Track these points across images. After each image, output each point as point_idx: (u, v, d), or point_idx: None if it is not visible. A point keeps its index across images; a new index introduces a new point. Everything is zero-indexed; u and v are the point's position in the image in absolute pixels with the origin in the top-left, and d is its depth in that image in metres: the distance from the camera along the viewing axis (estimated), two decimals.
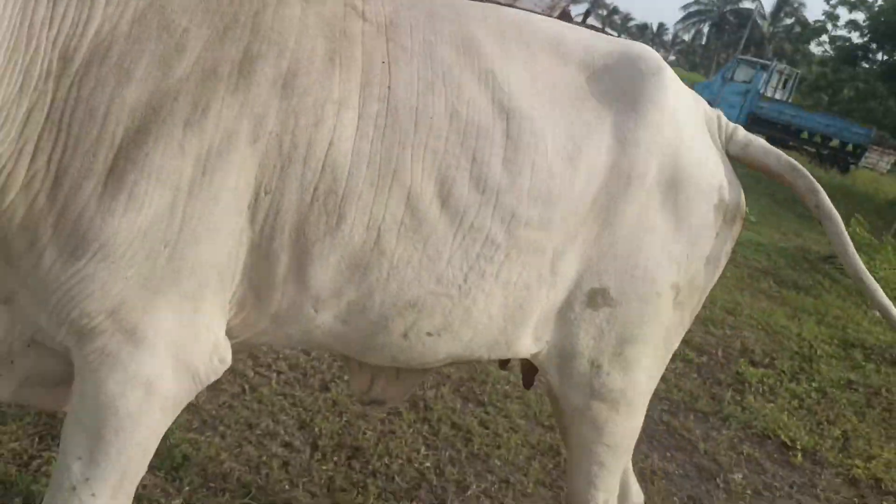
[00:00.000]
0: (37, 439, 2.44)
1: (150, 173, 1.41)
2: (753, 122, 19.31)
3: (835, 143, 19.25)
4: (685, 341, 5.15)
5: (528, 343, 1.84)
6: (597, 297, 1.81)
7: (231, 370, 3.12)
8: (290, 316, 1.65)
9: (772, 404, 4.54)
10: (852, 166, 18.88)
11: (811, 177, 2.03)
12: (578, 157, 1.71)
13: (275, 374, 3.24)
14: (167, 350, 1.51)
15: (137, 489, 2.25)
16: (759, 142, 2.06)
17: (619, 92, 1.78)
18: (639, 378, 1.93)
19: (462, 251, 1.67)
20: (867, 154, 18.68)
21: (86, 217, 1.39)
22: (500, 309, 1.76)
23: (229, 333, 1.63)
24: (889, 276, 7.34)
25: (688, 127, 1.85)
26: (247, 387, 3.09)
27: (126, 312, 1.46)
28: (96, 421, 1.49)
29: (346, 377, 3.37)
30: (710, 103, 2.09)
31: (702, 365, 4.88)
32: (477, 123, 1.63)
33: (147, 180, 1.40)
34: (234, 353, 1.65)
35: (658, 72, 1.81)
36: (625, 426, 1.97)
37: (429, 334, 1.74)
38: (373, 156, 1.56)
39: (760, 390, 4.72)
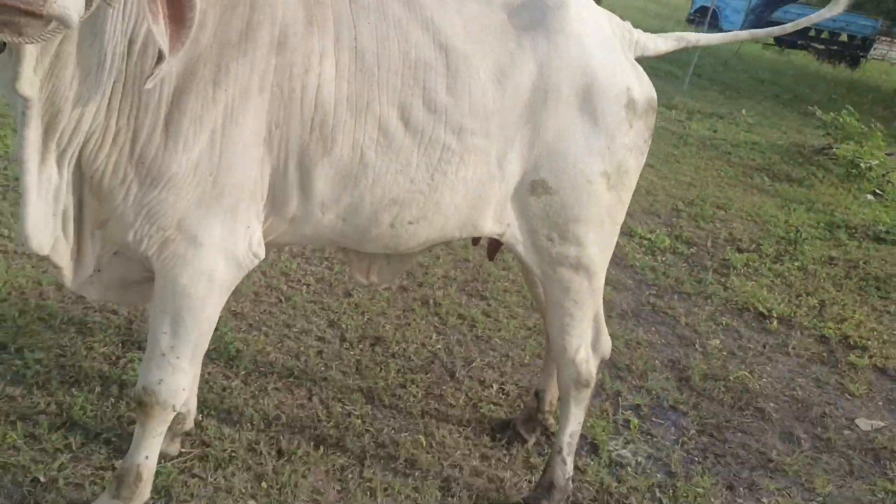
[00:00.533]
0: (120, 344, 3.03)
1: (194, 121, 1.91)
2: (759, 26, 19.14)
3: (843, 37, 19.06)
4: (676, 236, 5.66)
5: (490, 224, 2.34)
6: (538, 188, 2.29)
7: (267, 285, 3.70)
8: (303, 219, 2.17)
9: (753, 282, 5.00)
10: (862, 59, 18.73)
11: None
12: (505, 80, 2.17)
13: (305, 287, 3.80)
14: (218, 249, 2.04)
15: (204, 375, 2.85)
16: (665, 37, 2.53)
17: (533, 25, 2.22)
18: (590, 248, 2.41)
19: (426, 158, 2.16)
20: (875, 45, 18.49)
21: (158, 158, 1.90)
22: (463, 199, 2.26)
23: None
24: (877, 168, 7.60)
25: (593, 45, 2.27)
26: (282, 297, 3.65)
27: (188, 224, 1.99)
28: (175, 305, 2.04)
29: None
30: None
31: (690, 256, 5.33)
32: (424, 61, 2.09)
33: (194, 127, 1.90)
34: (266, 252, 2.18)
35: (562, 5, 2.24)
36: (586, 285, 2.46)
37: (410, 223, 2.25)
38: (349, 93, 2.04)
39: (744, 272, 5.17)
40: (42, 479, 2.32)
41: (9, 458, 2.36)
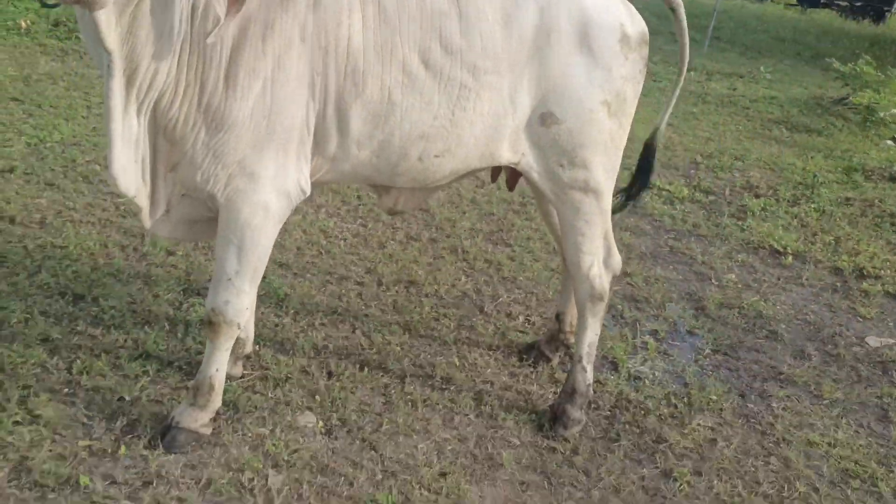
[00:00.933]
0: (182, 292, 3.38)
1: (248, 72, 2.23)
2: None
3: None
4: (695, 186, 5.84)
5: (507, 154, 2.63)
6: (546, 119, 2.57)
7: (308, 241, 4.03)
8: (342, 157, 2.48)
9: (769, 223, 5.20)
10: (887, 13, 18.46)
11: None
12: (511, 23, 2.45)
13: (342, 241, 4.12)
14: (272, 184, 2.36)
15: (257, 315, 3.18)
16: None
17: None
18: (596, 171, 2.69)
19: (446, 96, 2.45)
20: None
21: (221, 107, 2.23)
22: (482, 132, 2.55)
23: None
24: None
25: None
26: (322, 250, 3.97)
27: (247, 163, 2.31)
28: (238, 235, 2.36)
29: (397, 238, 4.24)
30: None
31: (708, 203, 5.53)
32: (439, 10, 2.39)
33: (248, 77, 2.23)
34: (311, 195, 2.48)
35: None
36: (594, 205, 2.73)
37: (436, 156, 2.55)
38: (376, 41, 2.35)
39: (761, 215, 5.36)
40: (127, 397, 2.67)
41: (98, 383, 2.72)
